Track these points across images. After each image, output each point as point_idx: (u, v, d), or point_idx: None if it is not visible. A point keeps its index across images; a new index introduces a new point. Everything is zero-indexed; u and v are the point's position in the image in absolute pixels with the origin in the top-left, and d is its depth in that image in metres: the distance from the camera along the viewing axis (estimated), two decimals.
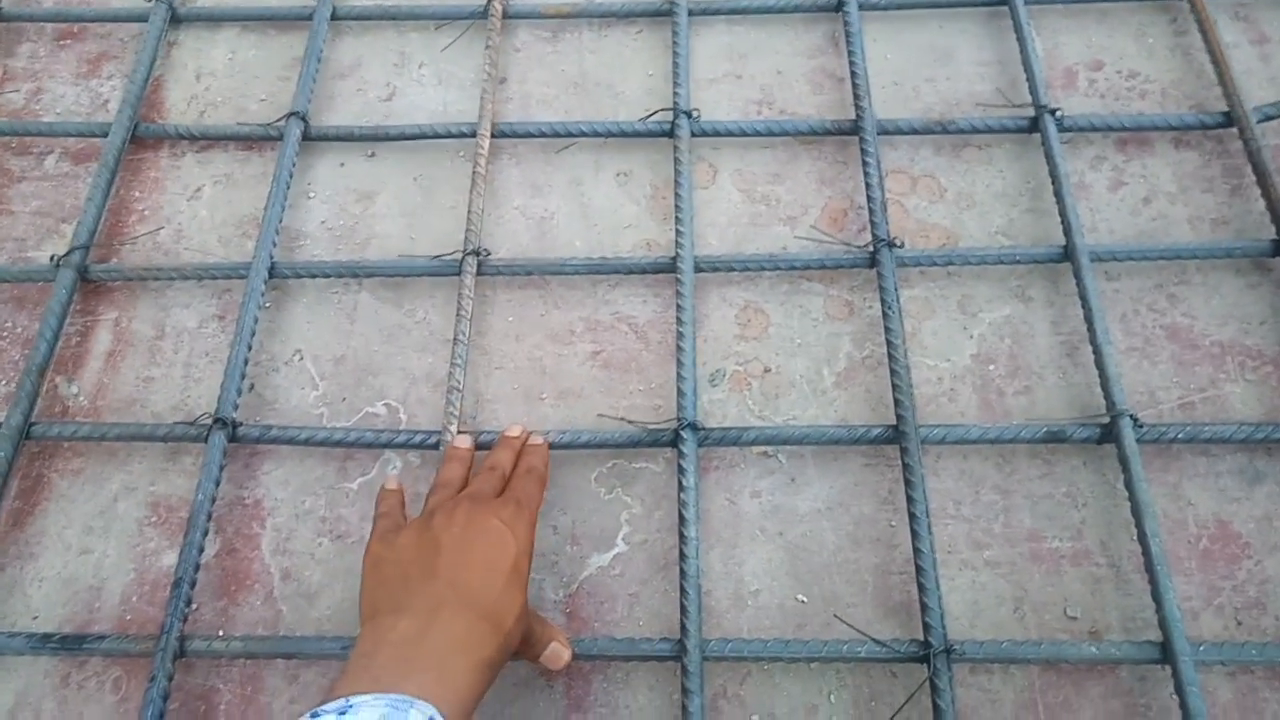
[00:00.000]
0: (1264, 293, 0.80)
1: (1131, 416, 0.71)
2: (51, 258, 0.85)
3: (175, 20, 1.01)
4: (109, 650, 0.70)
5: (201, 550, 0.72)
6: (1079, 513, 0.72)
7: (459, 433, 0.75)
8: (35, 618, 0.73)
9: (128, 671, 0.71)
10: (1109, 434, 0.72)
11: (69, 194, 0.92)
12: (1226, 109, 0.85)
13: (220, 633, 0.71)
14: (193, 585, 0.71)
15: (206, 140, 0.94)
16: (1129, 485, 0.69)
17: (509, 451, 0.72)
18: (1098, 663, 0.66)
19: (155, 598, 0.73)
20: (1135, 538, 0.68)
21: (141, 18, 1.00)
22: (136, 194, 0.92)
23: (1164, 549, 0.67)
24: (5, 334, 0.85)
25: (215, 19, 1.02)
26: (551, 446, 0.75)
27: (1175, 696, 0.63)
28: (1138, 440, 0.70)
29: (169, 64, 1.00)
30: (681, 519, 0.70)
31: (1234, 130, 0.85)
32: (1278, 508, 0.71)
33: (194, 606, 0.72)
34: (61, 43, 1.02)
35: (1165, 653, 0.64)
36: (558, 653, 0.64)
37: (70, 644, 0.70)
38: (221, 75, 0.99)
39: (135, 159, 0.94)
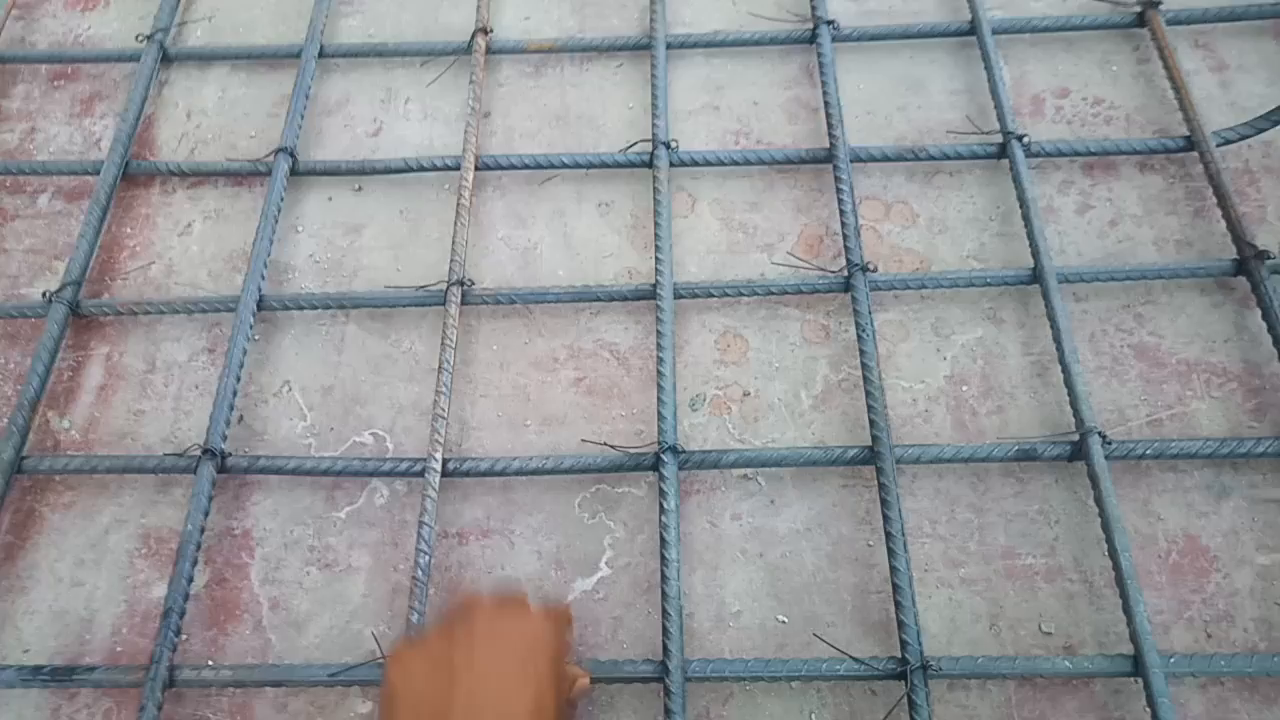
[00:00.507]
0: (1228, 311, 0.82)
1: (1100, 434, 0.73)
2: (44, 294, 0.87)
3: (166, 60, 1.03)
4: (99, 681, 0.71)
5: (191, 581, 0.74)
6: (1052, 530, 0.74)
7: None
8: (26, 650, 0.74)
9: (118, 702, 0.72)
10: (1079, 451, 0.73)
11: (62, 231, 0.94)
12: (1188, 134, 0.88)
13: (210, 662, 0.72)
14: (182, 615, 0.72)
15: (197, 177, 0.96)
16: (1099, 501, 0.71)
17: None
18: (1072, 677, 0.67)
19: (146, 629, 0.74)
20: (1107, 553, 0.70)
21: (133, 58, 1.02)
22: (128, 230, 0.94)
23: (1134, 564, 0.68)
24: None
25: (205, 58, 1.04)
26: (535, 473, 0.77)
27: (1148, 709, 0.64)
28: (1106, 457, 0.72)
29: (160, 102, 1.02)
30: (663, 541, 0.71)
31: (1195, 154, 0.87)
32: (1245, 521, 0.73)
33: (184, 637, 0.73)
34: (55, 83, 1.04)
35: (1137, 665, 0.65)
36: (584, 690, 0.62)
37: (61, 676, 0.71)
38: (212, 113, 1.01)
39: (127, 196, 0.95)
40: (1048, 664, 0.67)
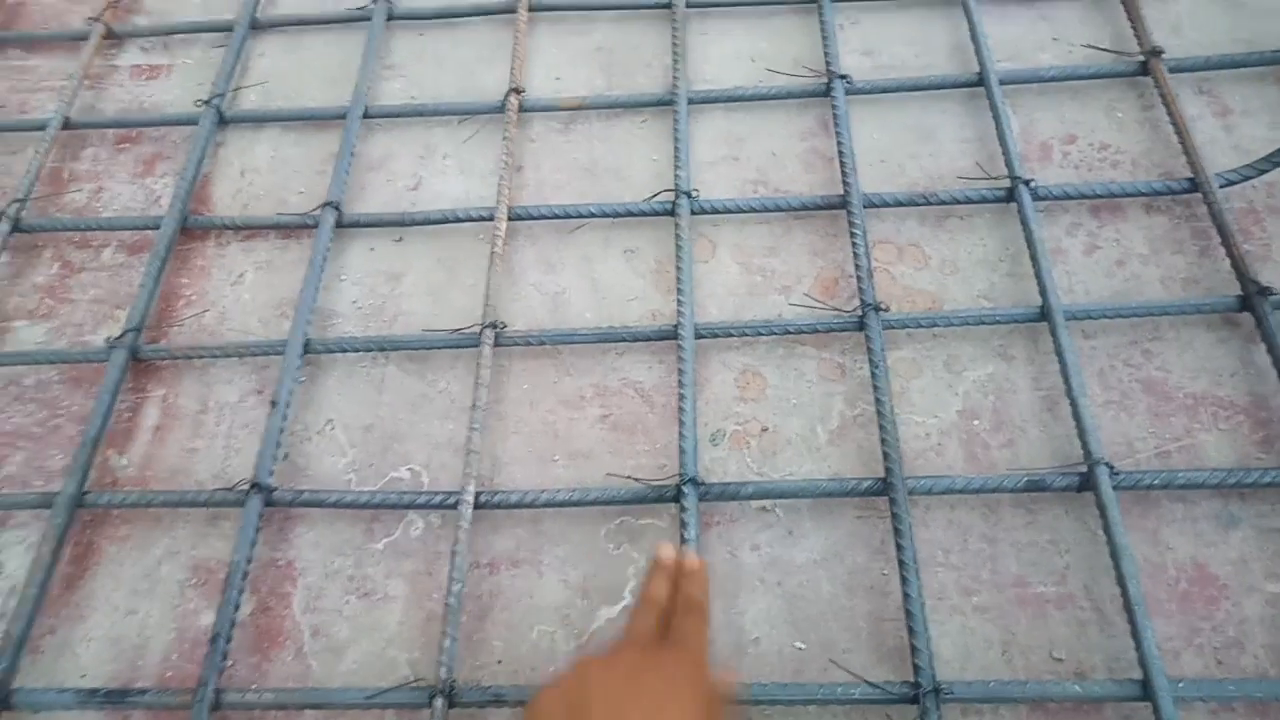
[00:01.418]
0: (1233, 346, 0.84)
1: (1108, 465, 0.75)
2: (106, 340, 0.93)
3: (222, 122, 1.11)
4: (151, 704, 0.75)
5: (238, 609, 0.78)
6: (1062, 559, 0.76)
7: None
8: (83, 675, 0.79)
9: None
10: (1087, 482, 0.75)
11: (124, 282, 1.01)
12: (1191, 175, 0.91)
13: (254, 686, 0.76)
14: (229, 642, 0.76)
15: (249, 230, 1.03)
16: (1107, 530, 0.73)
17: (664, 580, 0.62)
18: (1082, 701, 0.68)
19: (194, 655, 0.78)
20: (1116, 581, 0.72)
21: (192, 121, 1.10)
22: (185, 280, 1.00)
23: (1143, 591, 0.70)
24: (62, 412, 0.93)
25: (259, 120, 1.11)
26: (563, 504, 0.80)
27: None
28: (1114, 487, 0.74)
29: (216, 162, 1.09)
30: None
31: (1199, 195, 0.90)
32: (1253, 550, 0.74)
33: (230, 662, 0.77)
34: (120, 146, 1.12)
35: (1146, 690, 0.66)
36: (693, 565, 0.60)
37: (115, 698, 0.76)
38: (264, 171, 1.08)
39: (184, 248, 1.02)
40: (1059, 689, 0.68)
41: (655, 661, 0.53)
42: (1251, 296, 0.82)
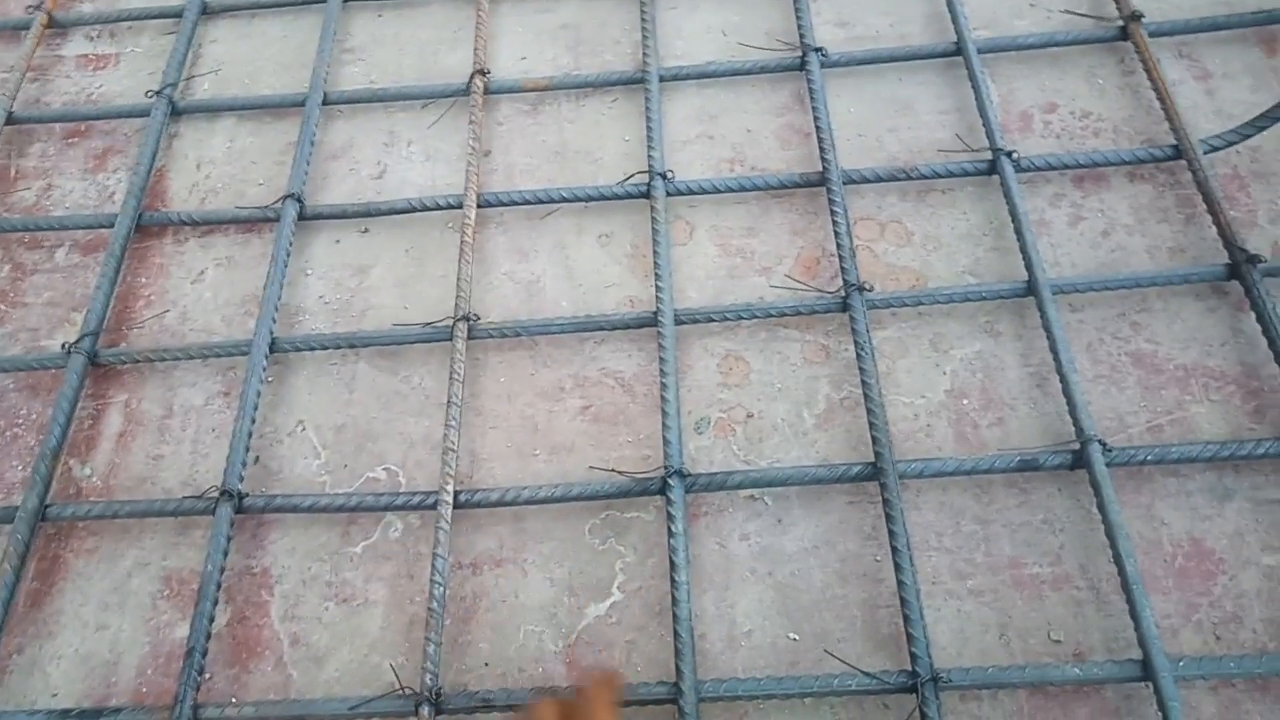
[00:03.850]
0: (1223, 315, 0.83)
1: (1100, 442, 0.74)
2: (63, 345, 0.89)
3: (176, 113, 1.06)
4: None
5: (212, 620, 0.75)
6: (1057, 538, 0.74)
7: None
8: (54, 695, 0.76)
9: None
10: (1080, 460, 0.74)
11: (79, 284, 0.97)
12: (1175, 142, 0.89)
13: (233, 700, 0.74)
14: (204, 655, 0.74)
15: (208, 225, 0.99)
16: (1101, 508, 0.71)
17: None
18: (1082, 684, 0.67)
19: (169, 669, 0.76)
20: (1112, 559, 0.70)
21: (144, 112, 1.05)
22: (143, 280, 0.96)
23: (1140, 569, 0.69)
24: (20, 421, 0.89)
25: (214, 109, 1.07)
26: (545, 501, 0.78)
27: (1160, 713, 0.64)
28: (1107, 464, 0.73)
29: (171, 154, 1.05)
30: (672, 564, 0.72)
31: (1183, 162, 0.89)
32: (1249, 523, 0.73)
33: (207, 676, 0.75)
34: (69, 141, 1.08)
35: (1146, 670, 0.65)
36: None
37: (88, 718, 0.73)
38: (221, 162, 1.04)
39: (141, 246, 0.98)
40: (1058, 672, 0.67)
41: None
42: (1240, 264, 0.81)
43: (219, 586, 0.76)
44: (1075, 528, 0.75)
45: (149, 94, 1.06)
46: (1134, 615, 0.67)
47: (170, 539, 0.82)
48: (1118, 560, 0.69)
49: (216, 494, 0.79)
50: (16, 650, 0.78)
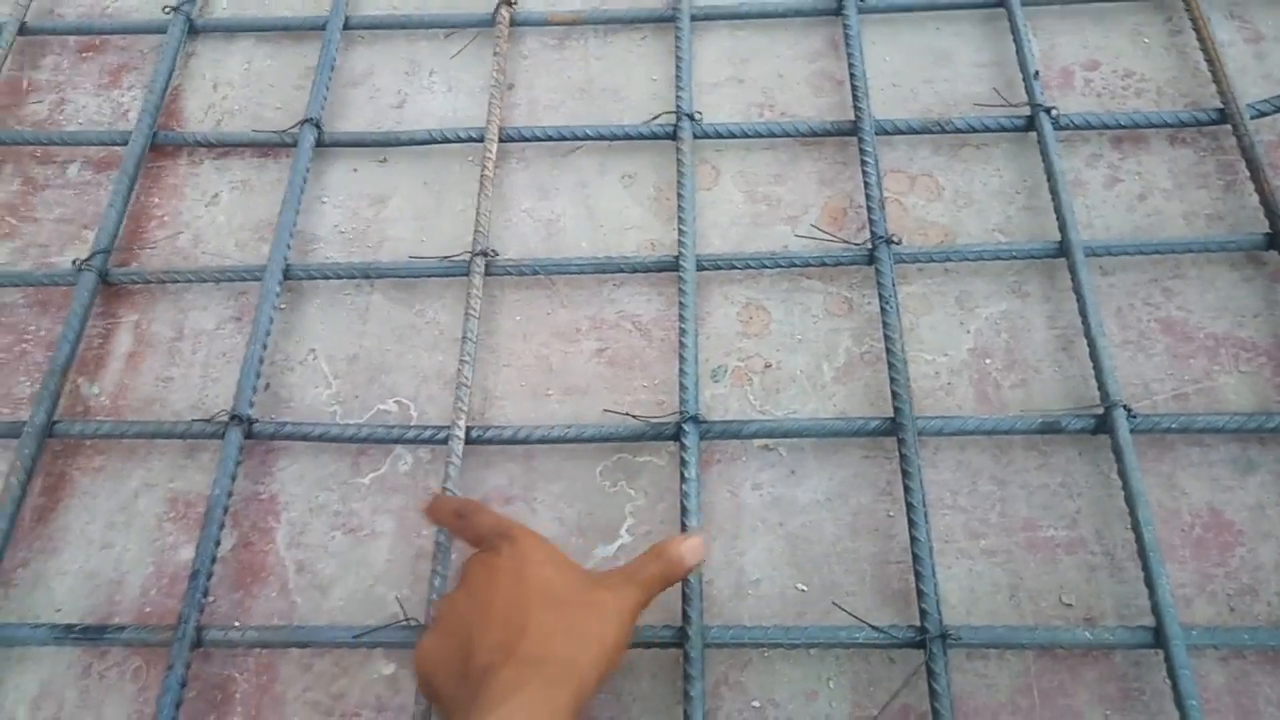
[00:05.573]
0: (1258, 286, 0.81)
1: (1125, 407, 0.72)
2: (74, 262, 0.88)
3: (193, 31, 1.04)
4: (129, 640, 0.72)
5: (218, 544, 0.75)
6: (1074, 502, 0.73)
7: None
8: (58, 610, 0.75)
9: (147, 661, 0.73)
10: (1103, 425, 0.73)
11: (91, 201, 0.95)
12: (1221, 106, 0.87)
13: (236, 623, 0.74)
14: (209, 578, 0.73)
15: (223, 147, 0.97)
16: (1122, 475, 0.70)
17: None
18: (1092, 647, 0.67)
19: (174, 590, 0.75)
20: (1129, 526, 0.70)
21: (160, 29, 1.03)
22: (156, 200, 0.95)
23: (1157, 537, 0.68)
24: (29, 336, 0.88)
25: (231, 30, 1.05)
26: (557, 441, 0.77)
27: (1169, 680, 0.64)
28: (1131, 431, 0.72)
29: (187, 74, 1.03)
30: (683, 510, 0.72)
31: (1228, 127, 0.86)
32: (1270, 496, 0.72)
33: (211, 599, 0.74)
34: (84, 55, 1.05)
35: (1158, 637, 0.65)
36: (693, 550, 0.61)
37: (91, 634, 0.73)
38: (238, 84, 1.02)
39: (155, 167, 0.96)
40: (1068, 634, 0.66)
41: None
42: None
43: (226, 511, 0.76)
44: (1093, 493, 0.74)
45: (166, 10, 1.03)
46: (1149, 582, 0.66)
47: (178, 461, 0.81)
48: (1136, 527, 0.68)
49: (226, 418, 0.79)
50: (22, 564, 0.77)
